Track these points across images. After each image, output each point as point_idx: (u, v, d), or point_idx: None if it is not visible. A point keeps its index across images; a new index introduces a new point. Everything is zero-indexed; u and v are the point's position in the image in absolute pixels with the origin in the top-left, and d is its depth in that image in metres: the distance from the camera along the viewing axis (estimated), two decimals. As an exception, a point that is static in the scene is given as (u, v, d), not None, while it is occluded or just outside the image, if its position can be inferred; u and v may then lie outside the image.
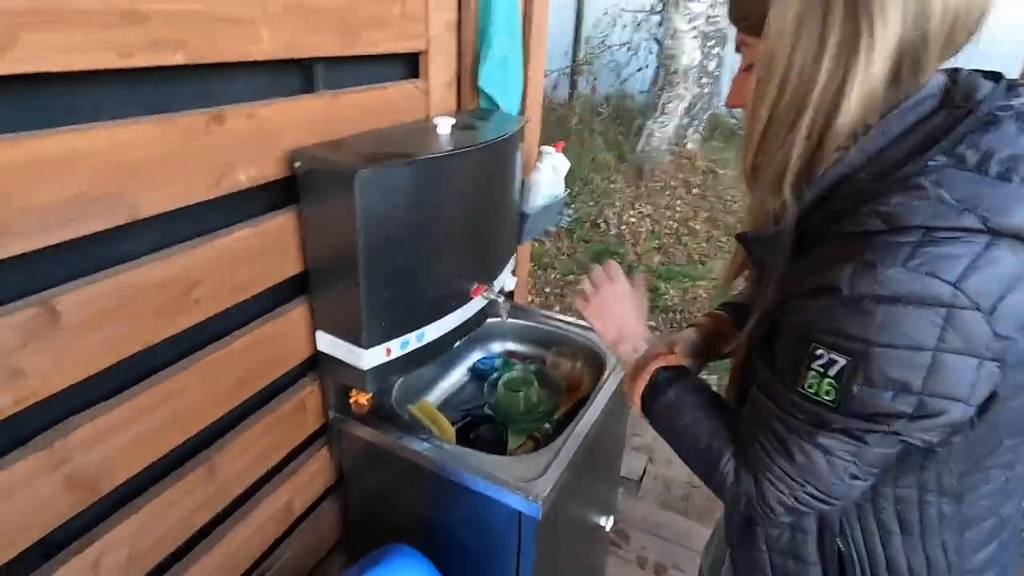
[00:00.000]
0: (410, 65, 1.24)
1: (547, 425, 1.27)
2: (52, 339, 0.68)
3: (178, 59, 0.74)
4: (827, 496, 0.57)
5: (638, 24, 5.64)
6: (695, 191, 4.86)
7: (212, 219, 0.88)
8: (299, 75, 0.98)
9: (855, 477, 0.55)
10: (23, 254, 0.64)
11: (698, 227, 4.35)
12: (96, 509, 0.78)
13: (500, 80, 1.36)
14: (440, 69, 1.27)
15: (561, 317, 1.54)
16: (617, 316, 0.80)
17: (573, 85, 6.36)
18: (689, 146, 5.28)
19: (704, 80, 4.97)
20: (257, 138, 0.88)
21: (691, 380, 0.70)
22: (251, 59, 0.84)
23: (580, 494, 1.25)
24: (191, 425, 0.88)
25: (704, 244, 4.14)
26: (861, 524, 0.63)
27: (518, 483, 0.97)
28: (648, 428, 2.61)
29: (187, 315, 0.84)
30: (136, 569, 0.85)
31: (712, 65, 4.95)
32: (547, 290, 3.68)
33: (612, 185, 4.81)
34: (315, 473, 1.21)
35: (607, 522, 1.45)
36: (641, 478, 2.17)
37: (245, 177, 0.87)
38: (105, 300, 0.73)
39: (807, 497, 0.57)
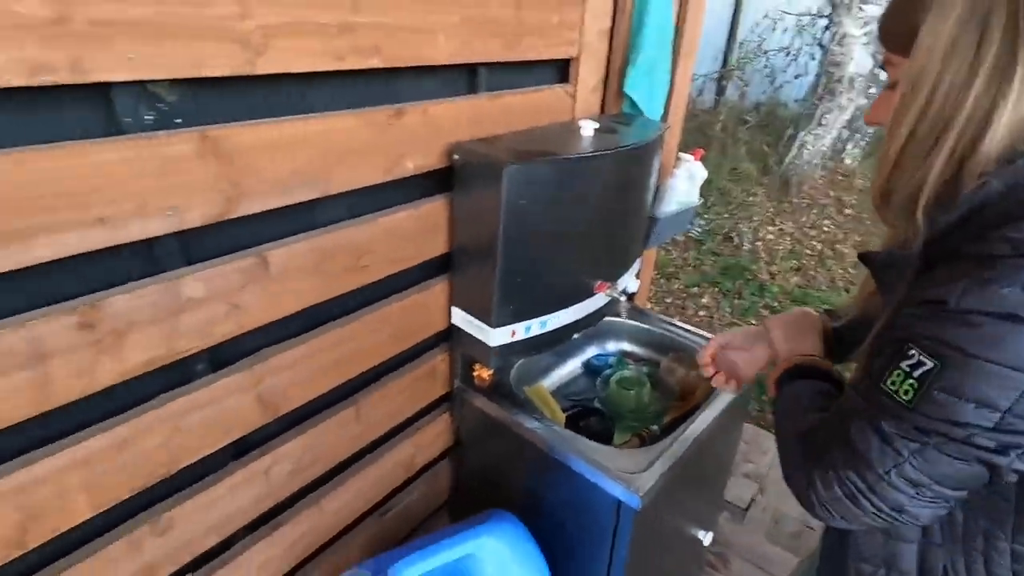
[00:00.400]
0: (560, 69, 1.33)
1: (655, 427, 1.29)
2: (262, 284, 0.85)
3: (375, 63, 0.88)
4: (875, 492, 0.53)
5: (801, 28, 5.25)
6: (848, 211, 4.44)
7: (382, 199, 1.02)
8: (464, 78, 1.11)
9: (913, 483, 0.52)
10: (251, 214, 0.81)
11: (847, 251, 3.97)
12: (273, 427, 0.97)
13: (646, 85, 1.40)
14: (589, 74, 1.34)
15: (681, 324, 1.54)
16: (800, 338, 0.82)
17: (720, 91, 6.09)
18: (847, 161, 4.83)
19: (872, 90, 4.51)
20: (426, 132, 1.01)
21: (822, 385, 0.71)
22: (429, 63, 0.97)
23: (681, 499, 1.25)
24: (349, 370, 1.05)
25: (852, 270, 3.78)
26: (969, 573, 0.59)
27: (621, 473, 1.02)
28: (762, 456, 2.47)
29: (357, 277, 1.00)
30: (294, 482, 1.03)
31: (884, 74, 4.47)
32: (668, 300, 3.60)
33: (751, 198, 4.56)
34: (437, 434, 1.34)
35: (706, 537, 1.43)
36: (748, 506, 2.08)
37: (412, 165, 1.01)
38: (302, 257, 0.90)
39: (852, 488, 0.54)
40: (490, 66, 1.12)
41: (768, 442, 2.34)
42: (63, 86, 0.60)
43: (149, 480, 0.80)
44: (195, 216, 0.74)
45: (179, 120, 0.72)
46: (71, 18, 0.58)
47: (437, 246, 1.13)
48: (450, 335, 1.25)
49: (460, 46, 1.01)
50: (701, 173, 1.62)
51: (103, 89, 0.65)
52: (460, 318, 1.19)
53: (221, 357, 0.86)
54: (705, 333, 1.49)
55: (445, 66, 1.03)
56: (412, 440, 1.27)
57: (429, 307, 1.18)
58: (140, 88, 0.67)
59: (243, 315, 0.84)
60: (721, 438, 1.38)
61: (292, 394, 0.96)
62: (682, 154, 1.59)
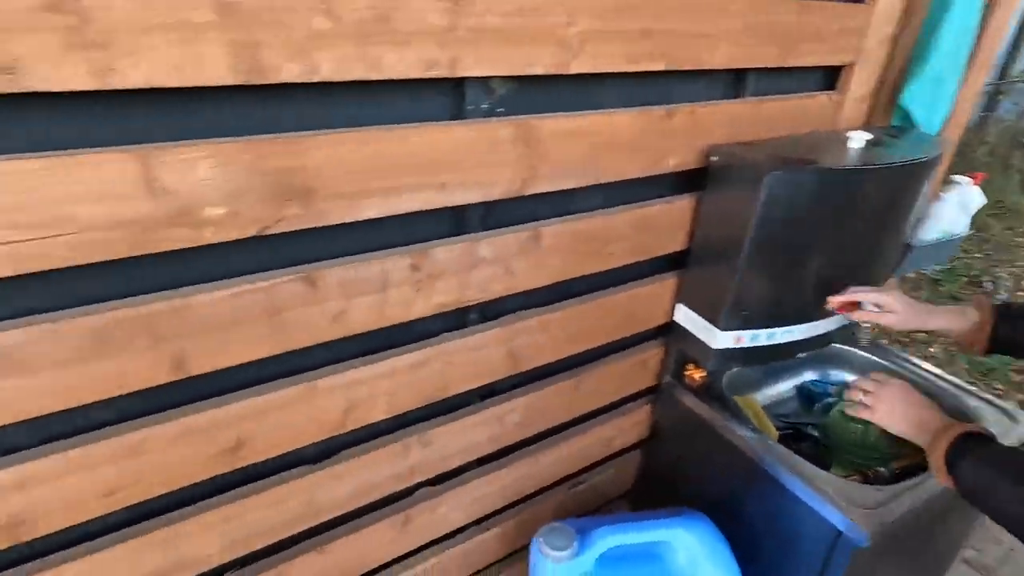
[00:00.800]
0: (827, 76, 1.27)
1: (882, 468, 1.18)
2: (531, 255, 0.98)
3: (660, 66, 0.95)
4: None
5: None
6: None
7: (633, 192, 1.09)
8: (729, 81, 1.12)
9: None
10: (534, 194, 0.94)
11: None
12: (513, 380, 1.11)
13: (928, 98, 1.26)
14: (860, 82, 1.26)
15: (923, 365, 1.37)
16: (902, 411, 0.88)
17: (990, 107, 5.09)
18: None
19: None
20: (691, 133, 1.05)
21: (997, 444, 0.71)
22: (706, 67, 1.01)
23: (904, 553, 1.13)
24: (578, 344, 1.15)
25: None
26: None
27: (847, 504, 0.96)
28: (993, 546, 2.11)
29: (601, 262, 1.09)
30: (520, 432, 1.17)
31: None
32: (883, 341, 3.15)
33: (1019, 239, 3.75)
34: (635, 423, 1.39)
35: (920, 607, 1.27)
36: (966, 595, 1.77)
37: (672, 163, 1.06)
38: (564, 236, 1.01)
39: None
40: (758, 72, 1.12)
41: (1004, 532, 1.96)
42: (433, 79, 0.77)
43: (425, 400, 0.99)
44: (497, 191, 0.89)
45: (501, 109, 0.87)
46: (457, 27, 0.74)
47: (676, 242, 1.18)
48: (668, 330, 1.29)
49: (738, 51, 1.03)
50: (977, 200, 1.41)
51: (459, 82, 0.81)
52: (684, 316, 1.22)
53: (488, 312, 1.02)
54: (954, 379, 1.31)
55: (715, 70, 1.06)
56: (614, 423, 1.34)
57: (657, 300, 1.23)
58: (484, 82, 0.83)
59: (512, 279, 0.98)
60: (960, 504, 1.20)
61: (532, 355, 1.09)
62: (957, 176, 1.40)
